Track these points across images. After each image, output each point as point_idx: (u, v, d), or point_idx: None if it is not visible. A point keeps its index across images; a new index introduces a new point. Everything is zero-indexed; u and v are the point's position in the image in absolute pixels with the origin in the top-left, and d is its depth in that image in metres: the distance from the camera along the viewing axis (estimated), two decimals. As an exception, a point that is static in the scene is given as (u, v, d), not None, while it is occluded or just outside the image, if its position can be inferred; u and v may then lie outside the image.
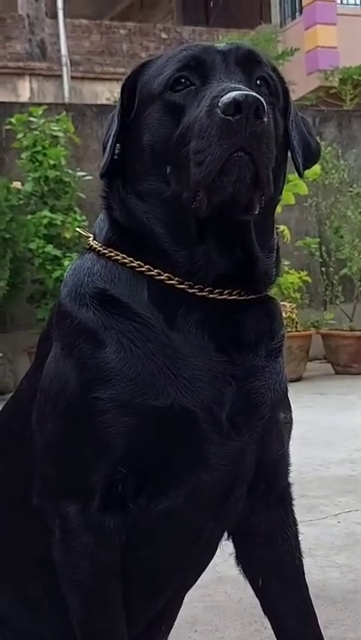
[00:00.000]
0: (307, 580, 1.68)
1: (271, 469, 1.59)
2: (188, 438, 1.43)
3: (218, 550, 1.67)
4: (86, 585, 1.46)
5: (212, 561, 1.70)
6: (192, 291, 1.46)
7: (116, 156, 1.53)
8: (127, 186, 1.51)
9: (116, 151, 1.53)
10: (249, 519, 1.62)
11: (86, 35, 17.02)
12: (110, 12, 20.35)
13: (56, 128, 7.16)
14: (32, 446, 1.52)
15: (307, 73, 14.82)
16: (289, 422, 1.60)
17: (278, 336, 1.57)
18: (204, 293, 1.46)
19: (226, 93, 1.33)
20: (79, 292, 1.51)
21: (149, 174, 1.47)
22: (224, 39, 11.54)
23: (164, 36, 17.34)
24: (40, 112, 7.15)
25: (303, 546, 1.68)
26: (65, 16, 16.10)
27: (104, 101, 12.34)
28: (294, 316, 7.37)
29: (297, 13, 16.99)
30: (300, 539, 1.67)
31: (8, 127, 7.27)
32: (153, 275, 1.47)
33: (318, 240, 8.38)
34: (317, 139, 1.69)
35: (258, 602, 1.70)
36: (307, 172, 1.65)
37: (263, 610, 1.69)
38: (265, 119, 1.34)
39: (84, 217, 6.98)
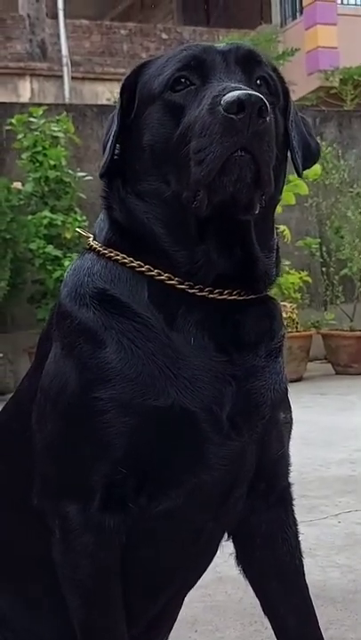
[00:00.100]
0: (307, 580, 1.68)
1: (271, 469, 1.59)
2: (189, 438, 1.43)
3: (218, 551, 1.67)
4: (86, 585, 1.46)
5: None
6: (192, 291, 1.46)
7: (116, 157, 1.53)
8: (127, 186, 1.51)
9: (116, 151, 1.53)
10: (249, 519, 1.62)
11: (87, 35, 17.02)
12: (111, 12, 20.35)
13: (56, 128, 7.16)
14: (32, 446, 1.52)
15: (307, 73, 14.81)
16: (289, 422, 1.60)
17: (278, 336, 1.57)
18: (204, 293, 1.46)
19: (227, 93, 1.33)
20: (79, 292, 1.51)
21: (149, 174, 1.47)
22: (224, 39, 11.54)
23: (164, 36, 17.33)
24: (40, 112, 7.15)
25: (303, 546, 1.68)
26: (65, 16, 16.10)
27: (104, 102, 12.33)
28: (295, 316, 7.37)
29: (297, 13, 16.98)
30: (300, 539, 1.67)
31: (8, 127, 7.27)
32: (153, 275, 1.47)
33: (319, 240, 8.38)
34: (318, 139, 1.69)
35: (258, 602, 1.70)
36: (307, 173, 1.66)
37: (263, 610, 1.69)
38: (267, 119, 1.34)
39: (84, 217, 6.98)
